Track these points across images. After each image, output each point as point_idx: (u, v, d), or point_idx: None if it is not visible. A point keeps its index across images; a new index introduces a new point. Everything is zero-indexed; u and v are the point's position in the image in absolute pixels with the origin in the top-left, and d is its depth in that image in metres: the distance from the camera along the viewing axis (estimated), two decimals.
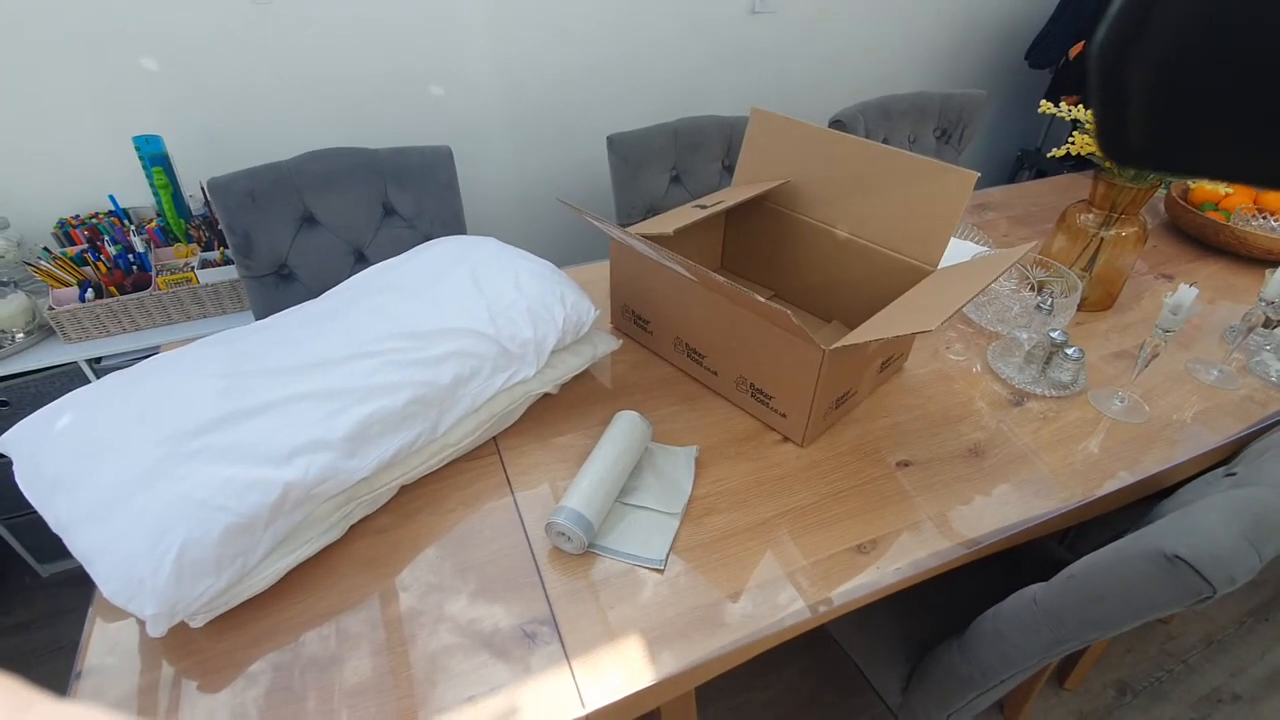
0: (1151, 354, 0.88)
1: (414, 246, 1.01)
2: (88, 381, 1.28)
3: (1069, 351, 0.95)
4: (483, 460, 0.84)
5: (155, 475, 0.64)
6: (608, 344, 0.95)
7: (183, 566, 0.60)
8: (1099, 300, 1.17)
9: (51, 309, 1.22)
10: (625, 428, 0.81)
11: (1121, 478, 0.85)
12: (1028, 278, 1.08)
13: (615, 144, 1.33)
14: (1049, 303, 0.93)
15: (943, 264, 0.90)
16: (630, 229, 0.95)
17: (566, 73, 1.67)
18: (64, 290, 1.25)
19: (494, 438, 0.87)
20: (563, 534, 0.71)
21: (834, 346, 0.74)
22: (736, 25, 1.80)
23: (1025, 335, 0.97)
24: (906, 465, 0.85)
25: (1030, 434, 0.90)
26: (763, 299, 0.71)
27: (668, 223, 0.94)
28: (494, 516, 0.77)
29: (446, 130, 1.59)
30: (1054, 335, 0.96)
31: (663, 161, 1.40)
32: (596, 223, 0.88)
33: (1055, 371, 0.97)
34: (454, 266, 0.91)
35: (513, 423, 0.88)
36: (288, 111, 1.45)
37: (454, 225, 1.28)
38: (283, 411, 0.70)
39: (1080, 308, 1.15)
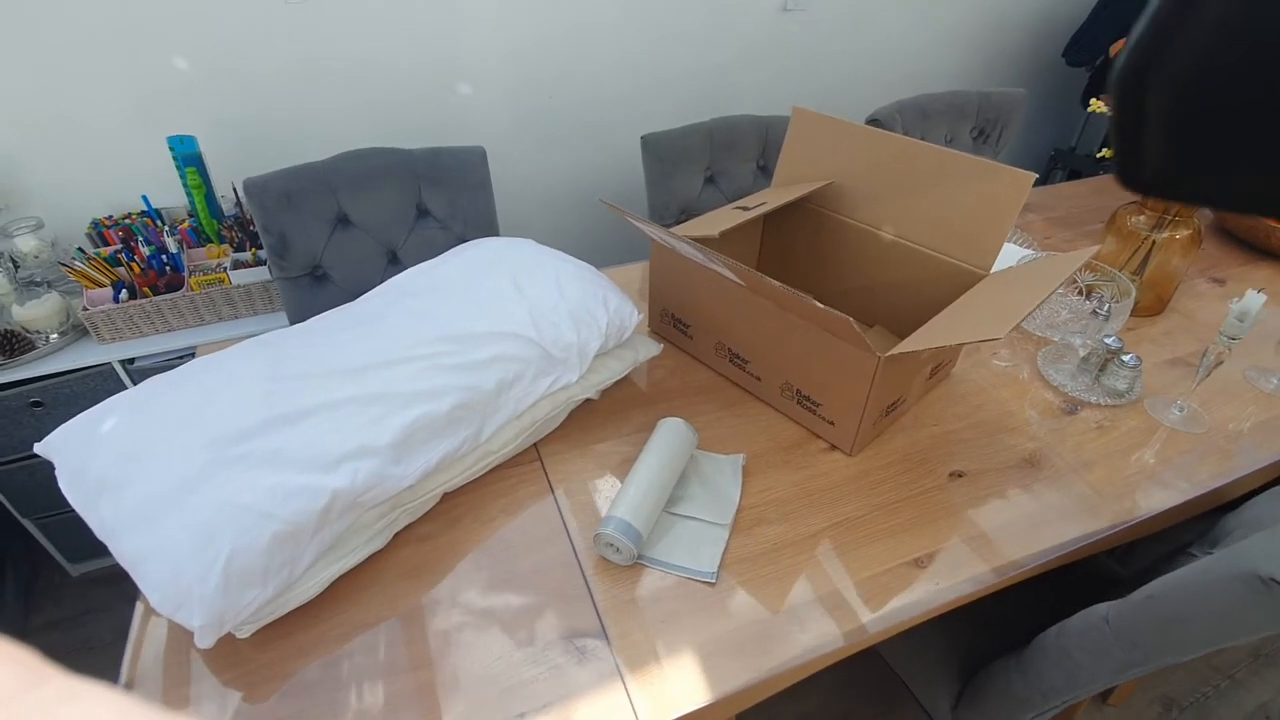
0: (1215, 361, 0.85)
1: (447, 248, 1.00)
2: (121, 382, 1.28)
3: (1125, 359, 0.92)
4: (524, 467, 0.83)
5: (201, 480, 0.63)
6: (649, 348, 0.93)
7: (230, 575, 0.59)
8: (1150, 305, 1.13)
9: (85, 309, 1.22)
10: (670, 435, 0.79)
11: (1182, 490, 0.81)
12: (1076, 281, 1.05)
13: (650, 144, 1.32)
14: (1106, 308, 0.90)
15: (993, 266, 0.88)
16: (674, 230, 0.94)
17: (595, 72, 1.65)
18: (98, 291, 1.25)
19: (535, 444, 0.85)
20: (611, 544, 0.69)
21: (891, 353, 0.72)
22: (767, 23, 1.78)
23: (1080, 340, 0.94)
24: (960, 476, 0.82)
25: (1086, 444, 0.87)
26: (820, 304, 0.69)
27: (711, 225, 0.92)
28: (537, 525, 0.76)
29: (474, 130, 1.58)
30: (1109, 341, 0.93)
31: (697, 162, 1.38)
32: (640, 224, 0.86)
33: (1110, 379, 0.93)
34: (494, 268, 0.89)
35: (553, 429, 0.86)
36: (318, 112, 1.45)
37: (487, 226, 1.27)
38: (328, 417, 0.69)
39: (1131, 313, 1.12)
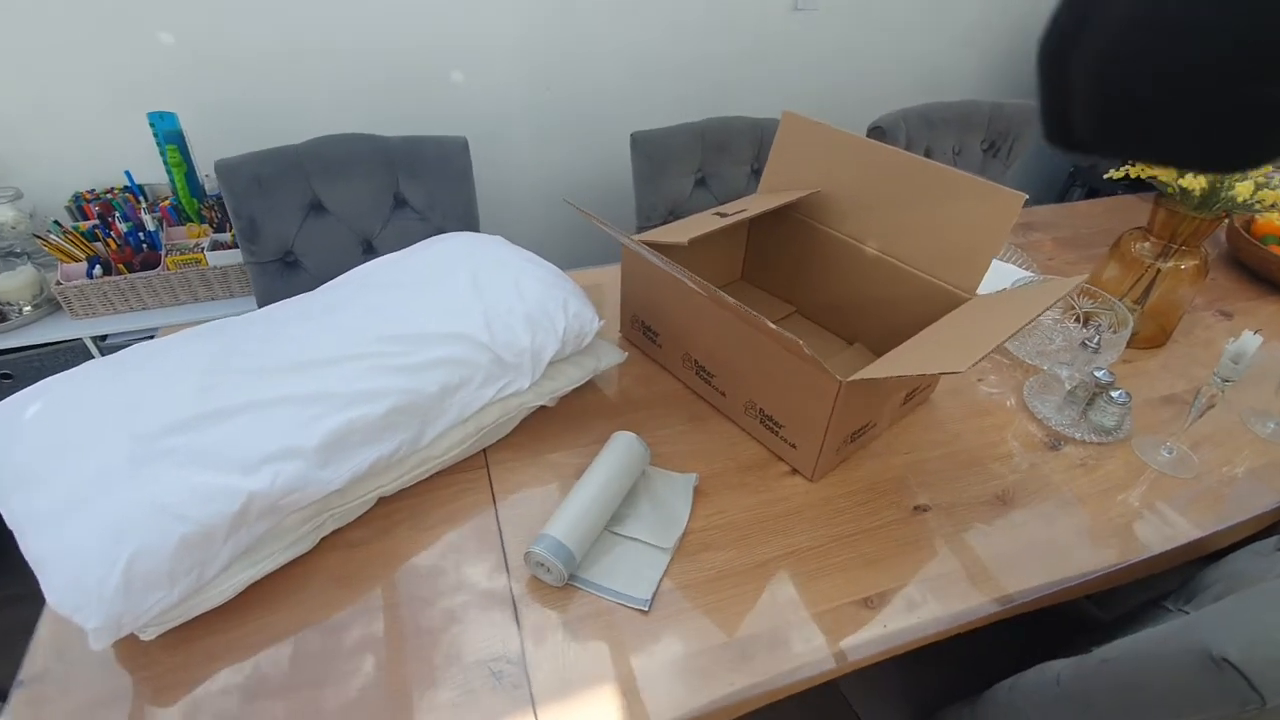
0: (1207, 404, 0.80)
1: (424, 238, 0.97)
2: (91, 358, 1.26)
3: (1114, 394, 0.87)
4: (470, 474, 0.80)
5: (119, 476, 0.60)
6: (612, 357, 0.90)
7: (132, 577, 0.56)
8: (1151, 336, 1.07)
9: (59, 284, 1.20)
10: (620, 451, 0.75)
11: (1164, 538, 0.76)
12: (1074, 308, 0.99)
13: (639, 142, 1.27)
14: (1096, 340, 0.85)
15: (983, 287, 0.83)
16: (643, 235, 0.90)
17: (592, 64, 1.61)
18: (73, 265, 1.24)
19: (484, 450, 0.82)
20: (541, 564, 0.66)
21: (851, 379, 0.67)
22: (776, 21, 1.72)
23: (1067, 373, 0.89)
24: (925, 510, 0.78)
25: (1066, 482, 0.83)
26: (772, 323, 0.65)
27: (683, 231, 0.88)
28: (475, 536, 0.73)
29: (465, 119, 1.54)
30: (1099, 375, 0.88)
31: (688, 162, 1.34)
32: (606, 228, 0.82)
33: (1098, 415, 0.88)
34: (456, 266, 0.86)
35: (504, 435, 0.83)
36: (307, 95, 1.42)
37: (467, 219, 1.24)
38: (259, 415, 0.66)
39: (1130, 344, 1.06)
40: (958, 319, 0.76)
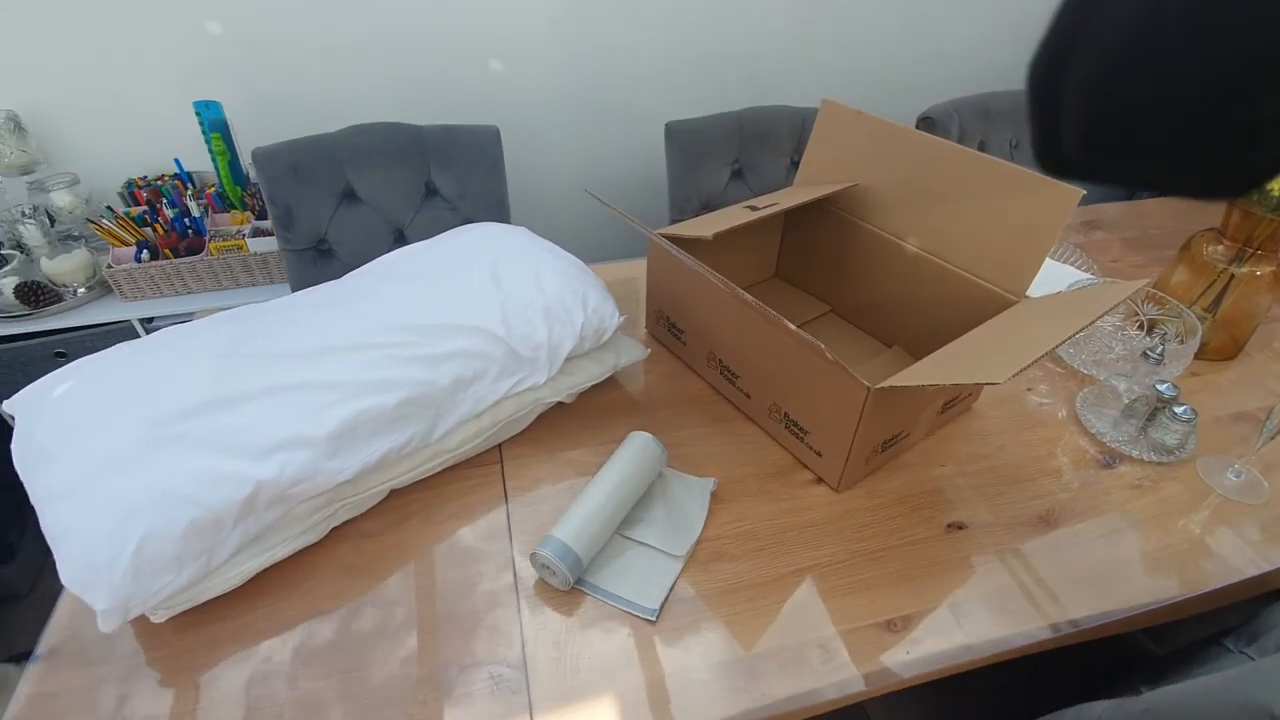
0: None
1: (454, 228, 0.96)
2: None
3: (1178, 410, 0.79)
4: (484, 468, 0.78)
5: (133, 458, 0.61)
6: (634, 353, 0.87)
7: (141, 560, 0.57)
8: (1222, 348, 0.98)
9: (110, 267, 1.25)
10: (635, 452, 0.72)
11: (1230, 569, 0.70)
12: (1137, 314, 0.92)
13: (673, 133, 1.24)
14: (1159, 350, 0.78)
15: (1035, 289, 0.77)
16: (669, 229, 0.87)
17: (628, 50, 1.57)
18: (123, 249, 1.28)
19: (499, 445, 0.81)
20: (547, 567, 0.64)
21: (880, 386, 0.63)
22: (819, 5, 1.65)
23: (1125, 385, 0.82)
24: (960, 528, 0.72)
25: (1120, 503, 0.76)
26: (804, 324, 0.61)
27: (710, 224, 0.84)
28: (485, 533, 0.71)
29: (497, 108, 1.53)
30: (1161, 388, 0.81)
31: (724, 154, 1.30)
32: (629, 220, 0.79)
33: (1158, 431, 0.81)
34: (478, 257, 0.85)
35: (520, 430, 0.82)
36: (346, 83, 1.43)
37: (497, 210, 1.23)
38: (271, 401, 0.66)
39: (1198, 355, 0.98)
40: (1003, 323, 0.71)
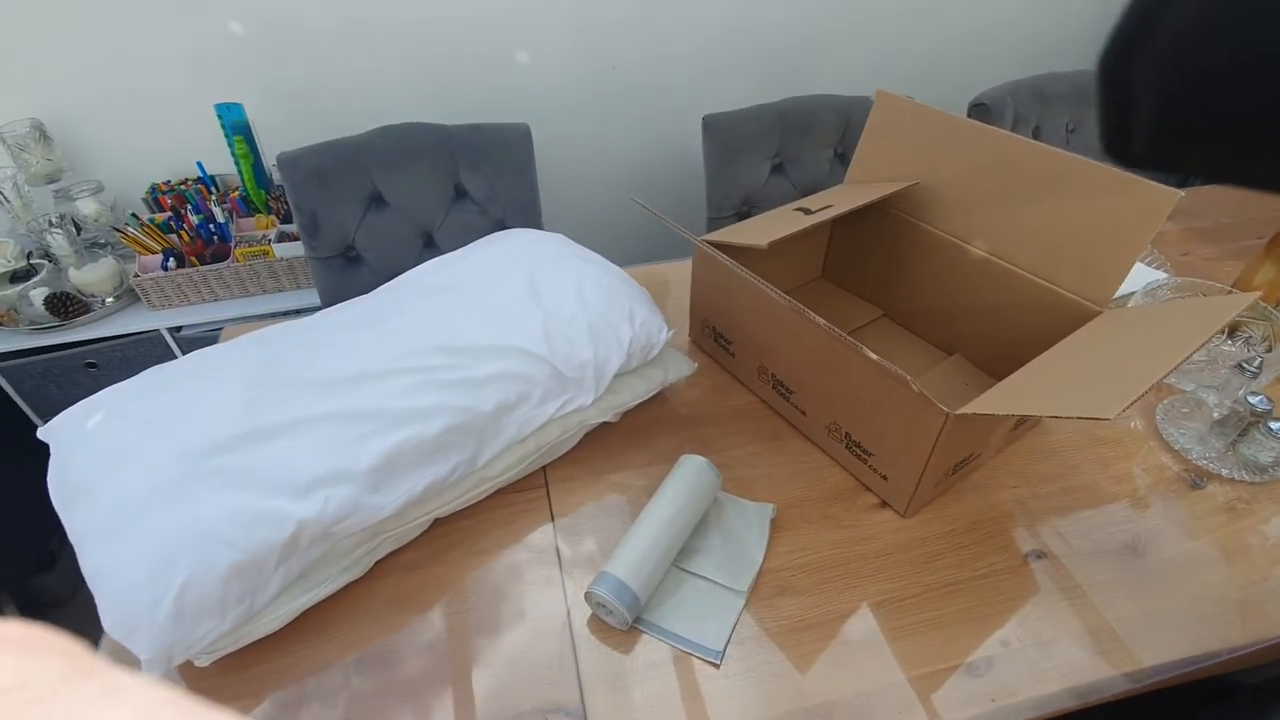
0: None
1: (485, 232, 0.92)
2: (169, 350, 1.29)
3: (1275, 426, 0.73)
4: (528, 493, 0.75)
5: (169, 496, 0.58)
6: (681, 368, 0.83)
7: (183, 606, 0.54)
8: None
9: (137, 275, 1.23)
10: (690, 478, 0.68)
11: None
12: None
13: (711, 126, 1.18)
14: (1257, 363, 0.72)
15: None
16: (717, 235, 0.82)
17: (660, 39, 1.50)
18: (149, 257, 1.26)
19: (542, 468, 0.77)
20: (603, 605, 0.60)
21: (961, 412, 0.58)
22: None
23: (1215, 398, 0.76)
24: (1041, 557, 0.68)
25: (1211, 529, 0.71)
26: (875, 355, 0.56)
27: (763, 231, 0.79)
28: (533, 564, 0.68)
29: (525, 105, 1.48)
30: (1254, 401, 0.75)
31: (764, 147, 1.24)
32: (676, 228, 0.75)
33: (1251, 448, 0.75)
34: (513, 268, 0.80)
35: (564, 452, 0.78)
36: (368, 80, 1.39)
37: (528, 211, 1.18)
38: (306, 433, 0.63)
39: None
40: (1092, 340, 0.65)
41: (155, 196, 1.34)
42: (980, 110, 1.28)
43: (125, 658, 0.58)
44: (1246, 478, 0.75)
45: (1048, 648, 0.60)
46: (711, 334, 0.90)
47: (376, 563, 0.67)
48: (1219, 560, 0.67)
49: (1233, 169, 0.22)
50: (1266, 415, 0.74)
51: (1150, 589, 0.65)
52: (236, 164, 1.30)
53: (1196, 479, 0.76)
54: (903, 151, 0.87)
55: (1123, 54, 0.21)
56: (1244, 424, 0.75)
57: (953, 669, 0.59)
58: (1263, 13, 0.18)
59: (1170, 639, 0.61)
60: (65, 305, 1.21)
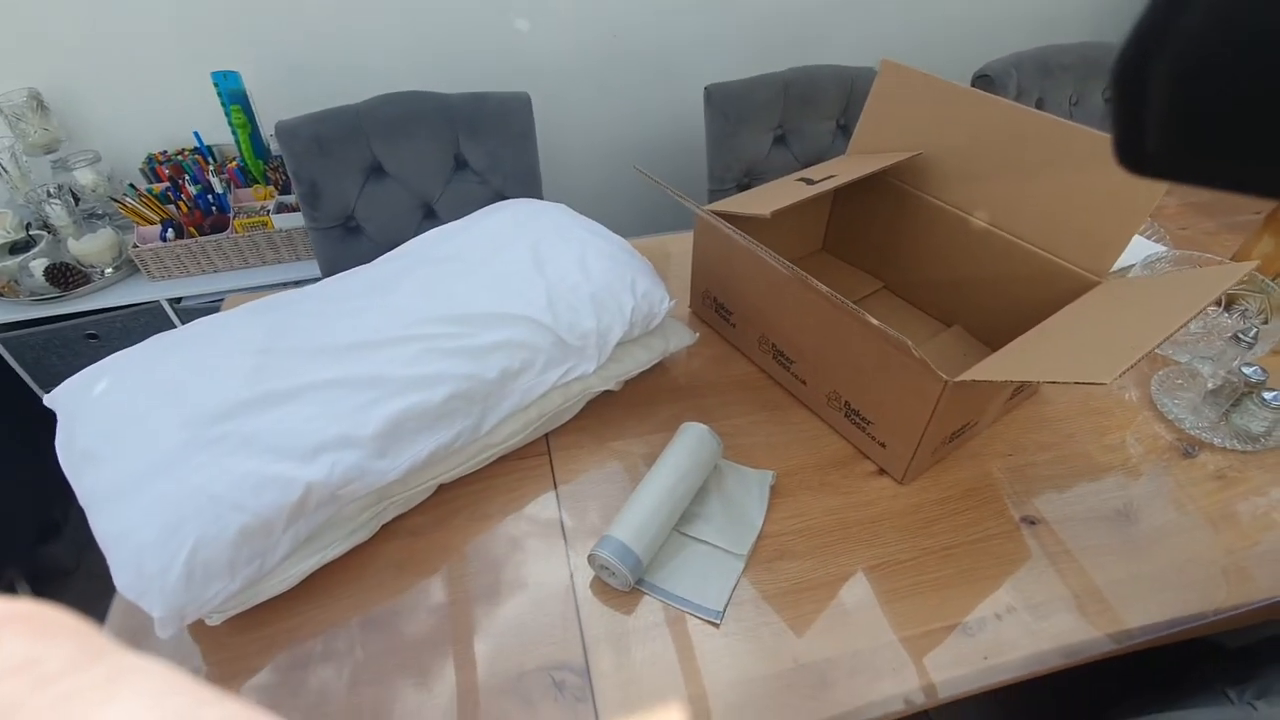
0: None
1: (485, 203, 0.92)
2: (170, 321, 1.29)
3: (1268, 396, 0.74)
4: (531, 459, 0.76)
5: (174, 463, 0.59)
6: (683, 338, 0.83)
7: (194, 567, 0.55)
8: None
9: (136, 246, 1.22)
10: (691, 445, 0.69)
11: None
12: None
13: (713, 96, 1.17)
14: (1253, 334, 0.73)
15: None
16: (719, 205, 0.82)
17: (663, 7, 1.48)
18: (148, 228, 1.25)
19: (545, 435, 0.78)
20: (606, 568, 0.61)
21: (960, 379, 0.59)
22: None
23: (1210, 369, 0.77)
24: (1033, 523, 0.69)
25: (1201, 496, 0.72)
26: (875, 321, 0.57)
27: (765, 200, 0.79)
28: (536, 529, 0.69)
29: (525, 73, 1.46)
30: (1248, 372, 0.76)
31: (767, 118, 1.23)
32: (679, 198, 0.75)
33: (1243, 418, 0.76)
34: (517, 238, 0.80)
35: (568, 420, 0.79)
36: (366, 46, 1.37)
37: (529, 182, 1.18)
38: (312, 399, 0.63)
39: None
40: (1089, 309, 0.66)
41: (152, 167, 1.33)
42: (984, 82, 1.27)
43: (138, 616, 0.59)
44: (1238, 447, 0.76)
45: (1039, 609, 0.62)
46: (712, 304, 0.90)
47: (382, 526, 0.69)
48: (1208, 527, 0.69)
49: (1254, 178, 0.22)
50: (1260, 386, 0.75)
51: (1140, 554, 0.66)
52: (234, 133, 1.28)
53: (1189, 448, 0.77)
54: (906, 122, 0.87)
55: (1141, 53, 0.20)
56: (1237, 394, 0.76)
57: (947, 629, 0.60)
58: None
59: (1158, 602, 0.62)
60: (65, 276, 1.21)
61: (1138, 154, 0.22)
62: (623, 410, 0.81)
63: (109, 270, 1.26)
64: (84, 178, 1.27)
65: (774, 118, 1.23)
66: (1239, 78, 0.19)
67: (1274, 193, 0.21)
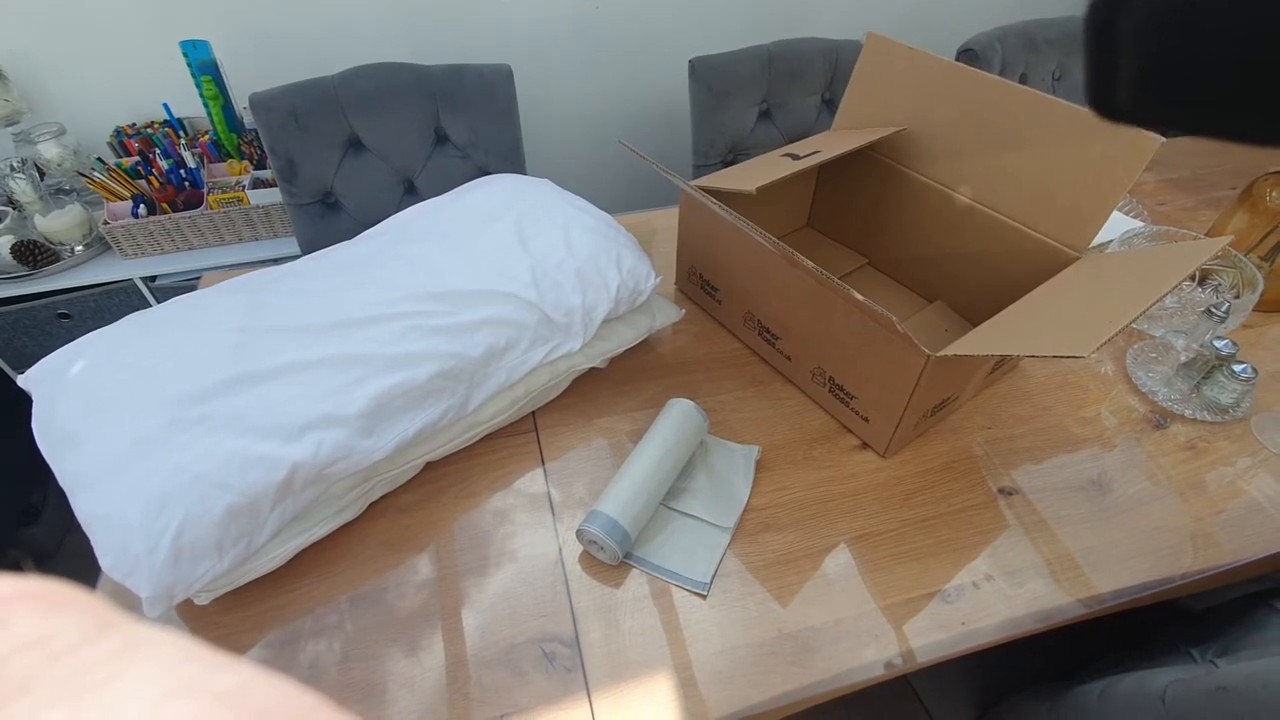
0: None
1: (467, 179, 0.91)
2: (144, 299, 1.27)
3: (1237, 369, 0.76)
4: (518, 437, 0.76)
5: (158, 442, 0.58)
6: (669, 314, 0.83)
7: (181, 547, 0.55)
8: (1277, 299, 0.94)
9: (107, 223, 1.19)
10: (678, 420, 0.70)
11: None
12: None
13: (698, 69, 1.16)
14: (1225, 308, 0.74)
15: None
16: (705, 180, 0.81)
17: None
18: (118, 204, 1.22)
19: (532, 413, 0.78)
20: (594, 542, 0.62)
21: (941, 354, 0.60)
22: None
23: (1183, 342, 0.79)
24: (1010, 494, 0.71)
25: (1172, 465, 0.74)
26: (860, 296, 0.57)
27: (750, 176, 0.79)
28: (524, 505, 0.70)
29: (506, 45, 1.43)
30: (1219, 345, 0.78)
31: (752, 92, 1.22)
32: (665, 173, 0.74)
33: (1214, 390, 0.78)
34: (501, 214, 0.80)
35: (554, 397, 0.79)
36: (341, 13, 1.33)
37: (512, 157, 1.16)
38: (296, 378, 0.63)
39: (1255, 308, 0.94)
40: (1070, 284, 0.67)
41: (121, 140, 1.29)
42: (968, 56, 1.27)
43: (125, 596, 0.59)
44: (1208, 418, 0.78)
45: (1015, 576, 0.64)
46: (698, 281, 0.90)
47: (370, 505, 0.69)
48: (1177, 496, 0.71)
49: (1214, 122, 0.22)
50: (1230, 358, 0.77)
51: (1113, 522, 0.68)
52: (205, 106, 1.25)
53: (1161, 419, 0.79)
54: (891, 96, 0.86)
55: (1107, 10, 0.21)
56: (1209, 367, 0.78)
57: (927, 597, 0.62)
58: None
59: (1129, 568, 0.64)
60: (33, 254, 1.17)
61: (1109, 102, 0.23)
62: (609, 387, 0.82)
63: (79, 248, 1.23)
64: (48, 151, 1.23)
65: (759, 91, 1.22)
66: (1198, 32, 0.20)
67: (1235, 136, 0.22)
